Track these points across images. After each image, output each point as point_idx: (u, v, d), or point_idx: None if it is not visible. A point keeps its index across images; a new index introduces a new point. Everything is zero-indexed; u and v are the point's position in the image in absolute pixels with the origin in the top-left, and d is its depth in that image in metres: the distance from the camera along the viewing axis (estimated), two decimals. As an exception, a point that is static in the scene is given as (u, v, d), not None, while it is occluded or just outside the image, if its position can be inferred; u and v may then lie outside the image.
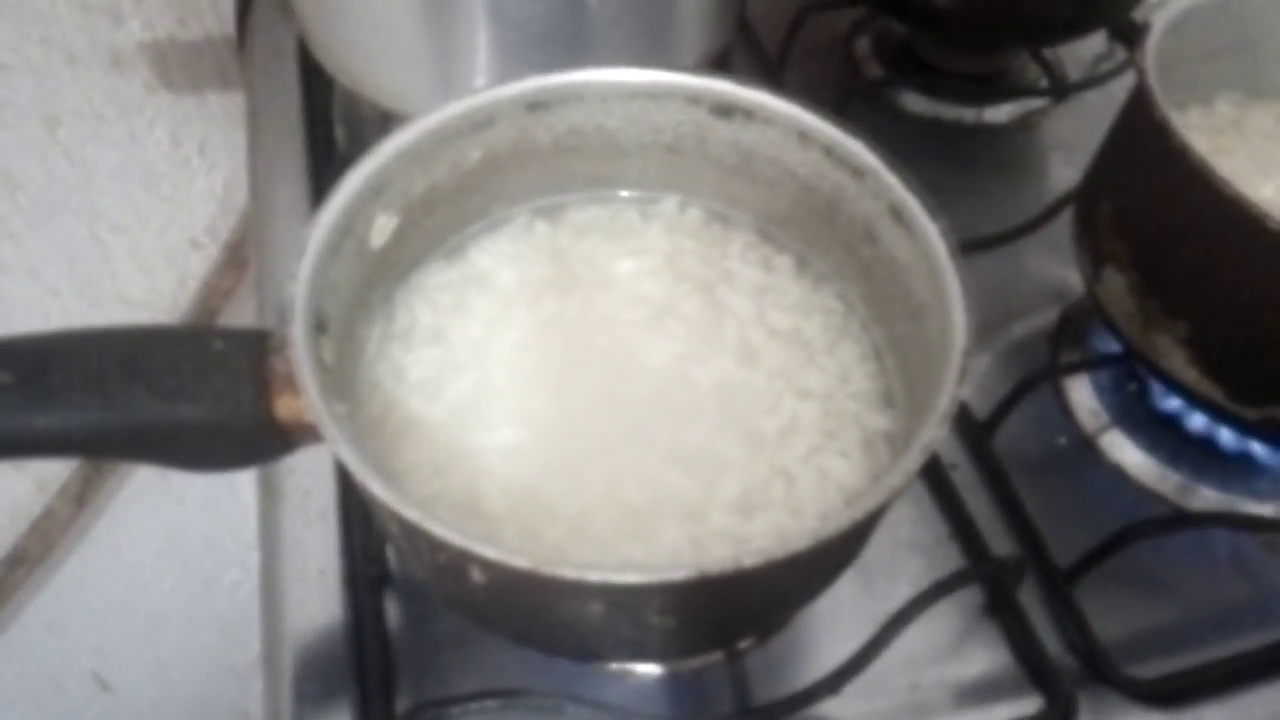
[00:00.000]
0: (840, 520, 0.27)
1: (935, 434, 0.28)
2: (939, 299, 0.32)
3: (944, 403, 0.29)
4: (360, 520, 0.40)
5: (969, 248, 0.50)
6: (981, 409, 0.46)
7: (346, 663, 0.37)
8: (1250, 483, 0.45)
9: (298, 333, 0.29)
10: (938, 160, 0.60)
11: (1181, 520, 0.42)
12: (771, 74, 0.60)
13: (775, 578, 0.26)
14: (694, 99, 0.38)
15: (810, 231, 0.40)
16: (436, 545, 0.26)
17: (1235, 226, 0.35)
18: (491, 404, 0.35)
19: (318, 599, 0.38)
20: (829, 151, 0.37)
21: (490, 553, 0.25)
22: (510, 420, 0.35)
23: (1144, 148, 0.40)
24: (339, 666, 0.37)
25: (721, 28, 0.52)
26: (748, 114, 0.38)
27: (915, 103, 0.61)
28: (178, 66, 0.67)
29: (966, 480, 0.45)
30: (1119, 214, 0.41)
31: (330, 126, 0.55)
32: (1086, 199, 0.45)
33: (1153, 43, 0.40)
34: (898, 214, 0.35)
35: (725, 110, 0.38)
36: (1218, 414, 0.41)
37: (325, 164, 0.54)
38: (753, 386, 0.37)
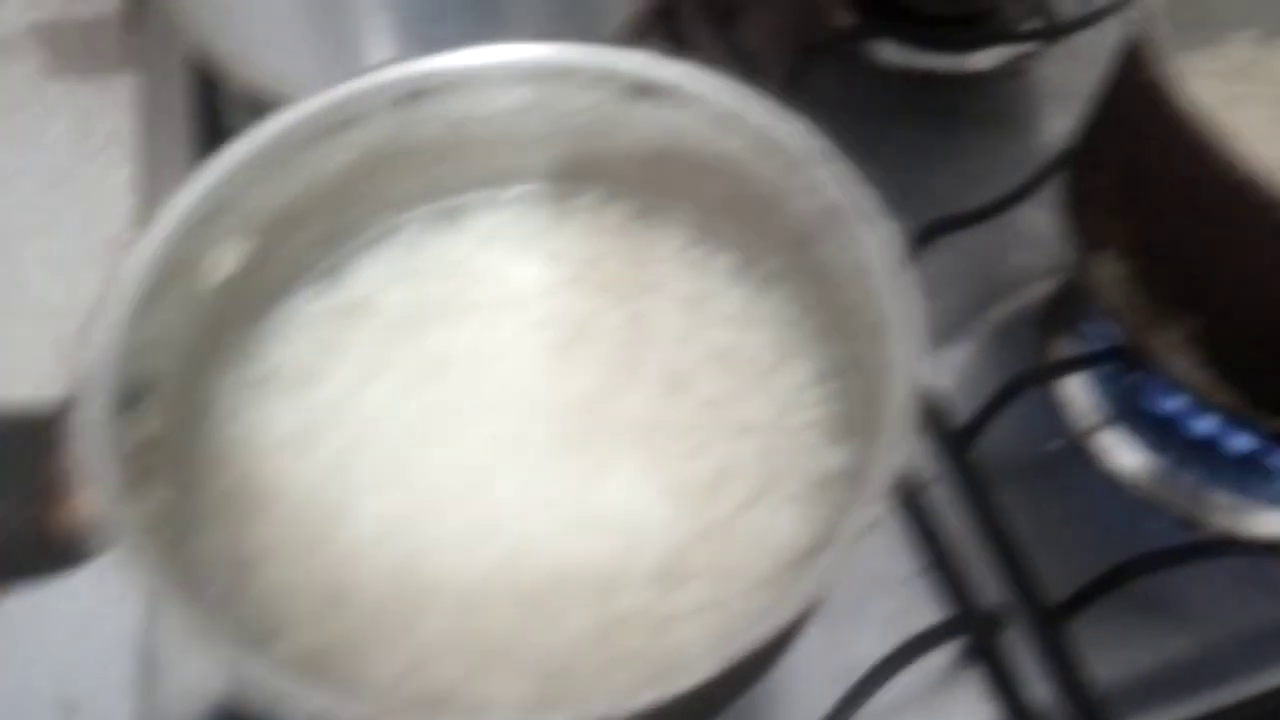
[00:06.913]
0: (758, 632, 0.21)
1: (863, 516, 0.22)
2: (880, 326, 0.26)
3: (876, 480, 0.23)
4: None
5: (947, 225, 0.44)
6: (963, 407, 0.41)
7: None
8: (1265, 487, 0.39)
9: (88, 418, 0.23)
10: (915, 116, 0.54)
11: (1191, 551, 0.36)
12: (722, 28, 0.53)
13: (707, 690, 0.21)
14: (600, 79, 0.32)
15: (752, 227, 0.33)
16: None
17: (1248, 209, 0.29)
18: (366, 465, 0.30)
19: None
20: (757, 139, 0.30)
21: (312, 702, 0.20)
22: (388, 484, 0.29)
23: (1141, 109, 0.33)
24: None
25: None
26: (663, 94, 0.32)
27: (889, 52, 0.54)
28: (73, 50, 0.61)
29: (943, 496, 0.39)
30: (1117, 189, 0.35)
31: (219, 115, 0.49)
32: (1080, 169, 0.38)
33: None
34: (833, 216, 0.29)
35: (639, 90, 0.32)
36: (1230, 421, 0.35)
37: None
38: (678, 424, 0.31)
